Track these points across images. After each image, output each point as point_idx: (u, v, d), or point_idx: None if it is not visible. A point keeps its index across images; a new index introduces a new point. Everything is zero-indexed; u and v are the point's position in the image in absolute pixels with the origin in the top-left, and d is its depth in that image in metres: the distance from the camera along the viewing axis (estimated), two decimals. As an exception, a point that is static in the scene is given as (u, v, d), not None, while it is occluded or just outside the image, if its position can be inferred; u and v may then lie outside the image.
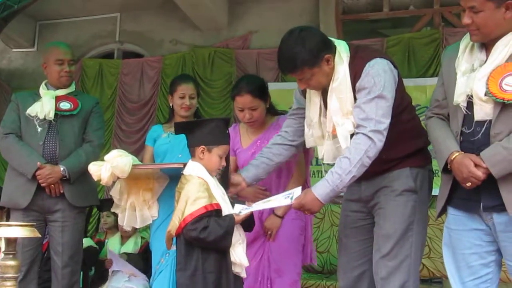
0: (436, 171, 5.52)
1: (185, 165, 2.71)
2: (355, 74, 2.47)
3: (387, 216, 2.53)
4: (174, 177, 3.03)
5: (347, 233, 2.74)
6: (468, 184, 2.20)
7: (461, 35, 5.88)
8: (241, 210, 2.51)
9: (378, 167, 2.53)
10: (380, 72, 2.43)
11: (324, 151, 2.62)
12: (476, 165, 2.17)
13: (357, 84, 2.45)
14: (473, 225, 2.32)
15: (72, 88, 3.66)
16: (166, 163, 3.24)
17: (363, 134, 2.40)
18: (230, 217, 2.47)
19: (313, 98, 2.64)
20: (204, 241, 2.41)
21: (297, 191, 2.51)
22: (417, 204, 2.53)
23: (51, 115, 3.47)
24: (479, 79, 2.20)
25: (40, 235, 2.46)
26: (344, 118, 2.48)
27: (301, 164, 3.12)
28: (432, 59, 5.50)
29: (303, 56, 2.43)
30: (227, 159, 2.70)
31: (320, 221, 5.26)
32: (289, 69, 2.50)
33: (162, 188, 3.17)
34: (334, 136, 2.53)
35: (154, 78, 6.68)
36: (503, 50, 2.20)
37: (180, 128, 2.73)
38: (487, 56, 2.26)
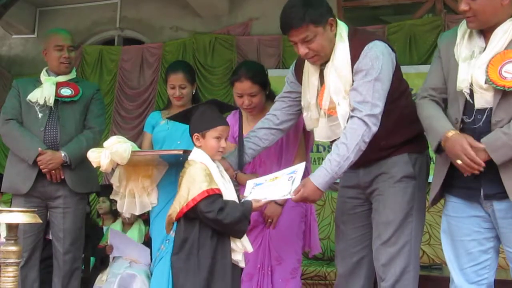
0: (432, 158, 5.56)
1: (184, 151, 2.73)
2: (354, 55, 2.46)
3: (386, 203, 2.54)
4: (173, 163, 3.06)
5: (344, 220, 2.75)
6: (459, 162, 2.19)
7: (463, 22, 5.82)
8: (249, 194, 2.55)
9: (377, 154, 2.54)
10: (378, 55, 2.43)
11: (317, 130, 2.61)
12: (472, 148, 2.16)
13: (355, 66, 2.45)
14: (472, 212, 2.33)
15: (73, 75, 3.67)
16: (165, 149, 3.25)
17: (359, 118, 2.39)
18: (248, 202, 2.49)
19: (311, 79, 2.61)
20: (221, 223, 2.41)
21: (300, 168, 2.50)
22: (416, 190, 2.55)
23: (51, 101, 3.48)
24: (479, 67, 2.20)
25: (41, 221, 2.48)
26: (341, 98, 2.47)
27: (301, 151, 3.11)
28: (433, 46, 5.47)
29: (310, 11, 2.41)
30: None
31: (320, 208, 5.28)
32: (294, 24, 2.43)
33: (162, 174, 3.19)
34: (329, 115, 2.53)
35: (154, 64, 6.67)
36: (502, 36, 2.20)
37: (175, 120, 2.77)
38: (486, 43, 2.26)
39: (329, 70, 2.50)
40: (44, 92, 3.49)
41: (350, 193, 2.73)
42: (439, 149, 2.31)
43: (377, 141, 2.47)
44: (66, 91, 3.54)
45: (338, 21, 2.56)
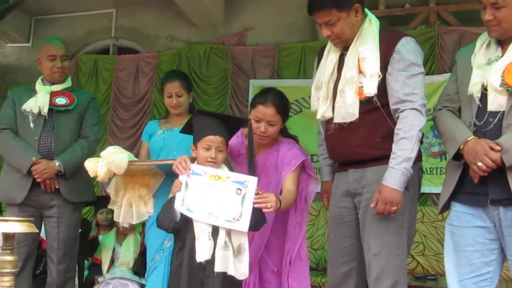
0: (426, 169, 5.55)
1: None
2: (388, 43, 2.51)
3: (377, 216, 2.49)
4: (170, 173, 3.04)
5: (335, 229, 2.73)
6: (479, 163, 2.21)
7: (457, 34, 5.93)
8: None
9: (369, 151, 2.54)
10: (420, 51, 2.55)
11: (335, 110, 2.61)
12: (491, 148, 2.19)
13: (394, 54, 2.49)
14: (476, 222, 2.33)
15: (68, 84, 3.66)
16: (162, 159, 3.24)
17: (413, 109, 2.44)
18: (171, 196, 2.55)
19: (330, 56, 2.68)
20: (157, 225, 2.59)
21: (252, 183, 2.47)
22: (408, 201, 2.53)
23: (45, 110, 3.47)
24: (496, 71, 2.27)
25: (38, 231, 2.47)
26: (362, 77, 2.51)
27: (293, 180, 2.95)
28: (427, 57, 5.52)
29: None
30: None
31: (315, 218, 5.27)
32: (318, 7, 2.51)
33: (158, 184, 3.20)
34: (344, 95, 2.55)
35: (149, 74, 6.67)
36: None
37: (184, 133, 2.81)
38: (503, 53, 2.33)
39: (351, 49, 2.56)
40: (39, 101, 3.48)
41: (340, 201, 2.71)
42: (457, 156, 2.33)
43: (375, 135, 2.51)
44: (61, 100, 3.53)
45: (368, 12, 2.63)
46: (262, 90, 3.04)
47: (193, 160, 2.66)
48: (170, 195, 2.58)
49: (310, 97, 2.84)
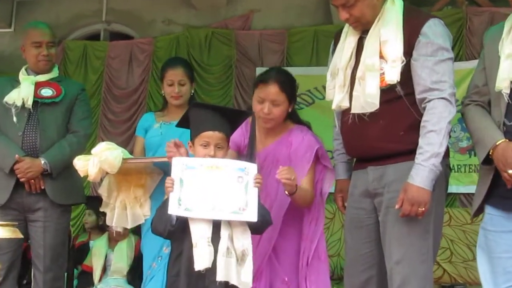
0: (453, 166, 5.53)
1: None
2: (413, 25, 2.50)
3: (399, 218, 2.47)
4: (168, 171, 3.04)
5: (353, 234, 2.73)
6: (510, 171, 2.21)
7: (487, 16, 5.92)
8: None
9: (391, 145, 2.53)
10: (449, 34, 2.54)
11: (353, 99, 2.60)
12: None
13: (421, 38, 2.47)
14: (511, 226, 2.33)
15: (54, 73, 3.66)
16: (160, 156, 3.21)
17: (442, 98, 2.42)
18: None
19: (348, 39, 2.67)
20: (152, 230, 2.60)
21: (252, 169, 2.50)
22: (433, 203, 2.49)
23: (29, 103, 3.46)
24: None
25: (22, 236, 2.48)
26: (383, 63, 2.50)
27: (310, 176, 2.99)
28: (454, 41, 5.50)
29: None
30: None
31: (330, 221, 5.28)
32: None
33: (155, 184, 3.20)
34: (363, 83, 2.54)
35: (144, 62, 6.68)
36: None
37: (181, 127, 2.79)
38: None
39: (371, 32, 2.56)
40: (22, 92, 3.48)
41: (358, 202, 2.70)
42: (487, 161, 2.33)
43: (396, 128, 2.50)
44: (46, 92, 3.53)
45: None
46: (265, 70, 3.07)
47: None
48: (166, 197, 2.58)
49: (324, 87, 2.85)
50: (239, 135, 3.02)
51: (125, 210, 3.14)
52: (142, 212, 3.18)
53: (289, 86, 2.96)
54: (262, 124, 2.96)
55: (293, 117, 3.07)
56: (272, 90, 2.90)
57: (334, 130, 2.95)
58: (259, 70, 6.11)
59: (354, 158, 2.84)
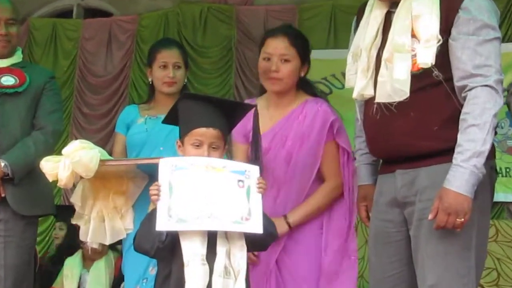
0: (500, 170, 5.53)
1: None
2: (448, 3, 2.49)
3: (434, 231, 2.45)
4: (155, 176, 3.04)
5: (378, 251, 2.72)
6: None
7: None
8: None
9: (423, 143, 2.51)
10: (495, 9, 2.52)
11: (378, 86, 2.58)
12: None
13: (461, 13, 2.46)
14: None
15: (17, 58, 3.65)
16: (145, 157, 3.23)
17: (486, 86, 2.40)
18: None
19: (374, 13, 2.66)
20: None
21: (254, 172, 2.50)
22: (475, 213, 2.46)
23: (-14, 93, 3.48)
24: None
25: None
26: (415, 42, 2.49)
27: (333, 164, 3.08)
28: (502, 18, 5.49)
29: None
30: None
31: (350, 237, 5.27)
32: None
33: (140, 190, 3.20)
34: (391, 66, 2.53)
35: (126, 44, 6.70)
36: None
37: (167, 123, 2.80)
38: None
39: (400, 10, 2.55)
40: (-23, 81, 3.50)
41: (385, 213, 2.69)
42: None
43: (431, 121, 2.48)
44: (7, 80, 3.53)
45: None
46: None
47: None
48: (151, 207, 2.58)
49: (343, 73, 2.84)
50: (245, 122, 3.04)
51: (103, 222, 3.13)
52: (123, 225, 3.18)
53: (300, 41, 3.07)
54: (270, 87, 3.07)
55: (307, 87, 3.15)
56: (281, 43, 3.02)
57: (356, 125, 2.96)
58: (265, 54, 6.15)
59: (380, 159, 2.84)
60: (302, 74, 3.11)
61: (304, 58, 3.09)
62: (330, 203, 3.04)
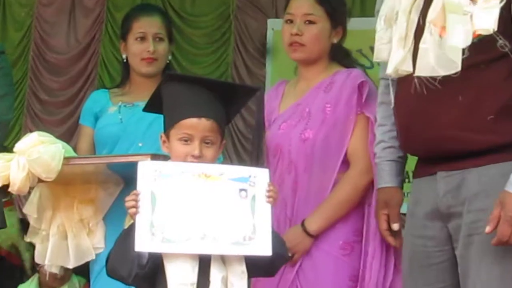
0: None
1: (152, 156, 2.76)
2: None
3: (489, 250, 2.45)
4: (132, 179, 3.03)
5: (415, 276, 2.71)
6: None
7: None
8: None
9: (473, 135, 2.49)
10: None
11: (420, 56, 2.49)
12: None
13: None
14: None
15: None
16: (119, 155, 3.23)
17: None
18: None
19: None
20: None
21: (262, 176, 2.49)
22: None
23: None
24: None
25: None
26: (470, 4, 2.43)
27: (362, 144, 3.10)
28: None
29: None
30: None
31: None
32: None
33: (113, 199, 3.20)
34: (438, 31, 2.46)
35: (94, 11, 6.71)
36: None
37: (149, 111, 2.80)
38: None
39: None
40: None
41: (422, 227, 2.68)
42: None
43: (483, 109, 2.47)
44: None
45: None
46: None
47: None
48: (128, 221, 2.59)
49: (372, 48, 2.81)
50: (270, 100, 3.09)
51: (65, 240, 3.13)
52: (92, 243, 3.18)
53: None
54: (291, 56, 3.13)
55: (342, 57, 3.19)
56: (305, 1, 3.10)
57: (378, 111, 2.95)
58: (272, 24, 6.14)
59: (413, 156, 2.83)
60: (335, 41, 3.14)
61: (336, 20, 3.13)
62: (361, 195, 3.04)
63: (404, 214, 2.75)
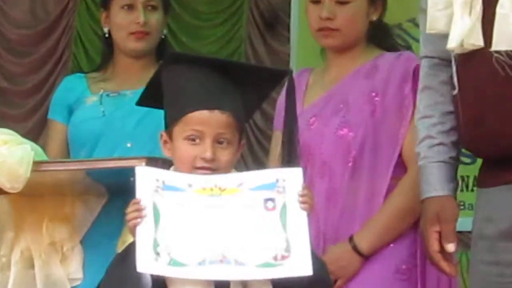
0: None
1: (148, 160, 2.75)
2: None
3: None
4: (119, 190, 3.03)
5: None
6: None
7: None
8: None
9: None
10: None
11: (497, 25, 2.50)
12: None
13: None
14: None
15: None
16: (103, 158, 3.23)
17: None
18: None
19: None
20: None
21: (294, 175, 2.51)
22: None
23: None
24: None
25: None
26: None
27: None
28: None
29: None
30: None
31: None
32: None
33: (94, 215, 3.20)
34: None
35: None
36: None
37: (144, 105, 2.81)
38: None
39: None
40: None
41: (496, 251, 2.68)
42: None
43: None
44: None
45: None
46: None
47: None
48: (120, 246, 2.58)
49: (417, 24, 2.84)
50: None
51: (31, 269, 3.15)
52: (67, 274, 3.18)
53: None
54: (322, 43, 3.20)
55: (381, 38, 3.24)
56: None
57: (420, 99, 2.96)
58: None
59: (483, 158, 2.83)
60: (374, 18, 3.18)
61: None
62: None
63: (460, 232, 2.70)
